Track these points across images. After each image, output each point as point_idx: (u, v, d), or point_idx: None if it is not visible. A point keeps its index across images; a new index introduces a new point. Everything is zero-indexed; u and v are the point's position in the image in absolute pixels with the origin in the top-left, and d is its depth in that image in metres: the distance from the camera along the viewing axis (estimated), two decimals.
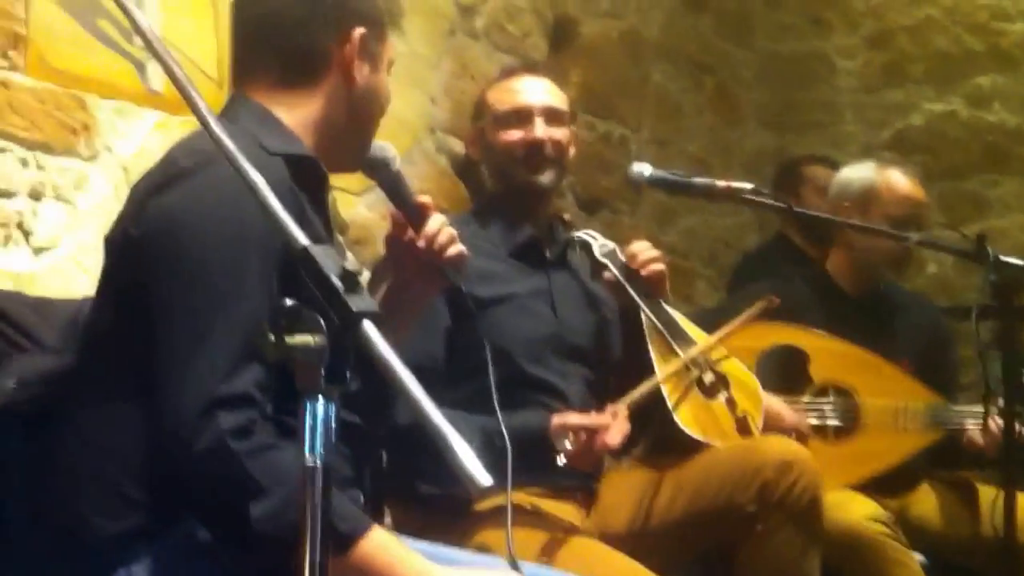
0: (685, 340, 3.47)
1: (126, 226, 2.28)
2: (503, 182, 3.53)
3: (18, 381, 2.38)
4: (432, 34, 5.01)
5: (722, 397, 3.47)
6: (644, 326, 3.45)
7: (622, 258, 3.49)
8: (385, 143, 2.64)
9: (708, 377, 3.47)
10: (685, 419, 3.40)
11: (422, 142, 4.87)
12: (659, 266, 3.46)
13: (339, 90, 2.46)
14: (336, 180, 4.54)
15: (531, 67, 3.82)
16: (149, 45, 1.79)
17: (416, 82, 4.86)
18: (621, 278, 3.44)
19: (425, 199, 2.62)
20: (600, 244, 3.53)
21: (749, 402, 3.52)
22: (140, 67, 3.93)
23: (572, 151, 3.62)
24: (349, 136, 2.52)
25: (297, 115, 2.43)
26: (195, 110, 1.74)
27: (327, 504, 1.59)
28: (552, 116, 3.50)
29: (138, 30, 1.81)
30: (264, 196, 1.67)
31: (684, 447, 3.41)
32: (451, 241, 2.61)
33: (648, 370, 3.41)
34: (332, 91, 2.45)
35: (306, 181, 2.34)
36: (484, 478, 1.47)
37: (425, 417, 1.49)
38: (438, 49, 5.02)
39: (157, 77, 3.94)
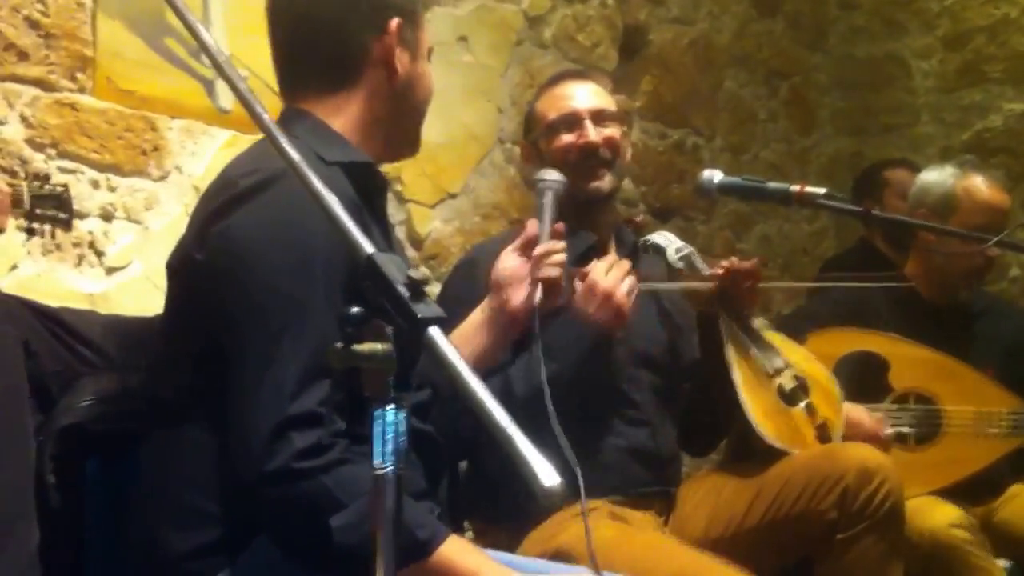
0: (765, 346, 3.43)
1: (189, 251, 2.29)
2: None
3: (91, 399, 2.39)
4: (499, 45, 5.01)
5: (802, 404, 3.42)
6: (722, 332, 3.41)
7: (698, 262, 3.45)
8: (553, 174, 3.04)
9: (788, 384, 3.42)
10: (764, 426, 3.36)
11: (491, 153, 4.87)
12: (753, 283, 3.41)
13: (382, 84, 2.43)
14: (410, 193, 4.60)
15: (577, 72, 3.77)
16: (215, 63, 1.79)
17: (484, 93, 4.86)
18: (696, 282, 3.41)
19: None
20: (675, 248, 3.49)
21: (830, 409, 3.47)
22: (208, 86, 3.96)
23: (629, 152, 3.58)
24: (398, 127, 2.49)
25: (347, 118, 2.42)
26: (262, 127, 1.75)
27: (399, 511, 1.59)
28: (601, 117, 3.47)
29: (204, 49, 1.80)
30: (332, 208, 1.67)
31: (763, 454, 3.37)
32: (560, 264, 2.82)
33: (726, 376, 3.37)
34: (376, 86, 2.43)
35: (364, 188, 2.33)
36: (551, 479, 1.46)
37: (492, 421, 1.47)
38: (505, 59, 5.02)
39: (225, 96, 3.96)
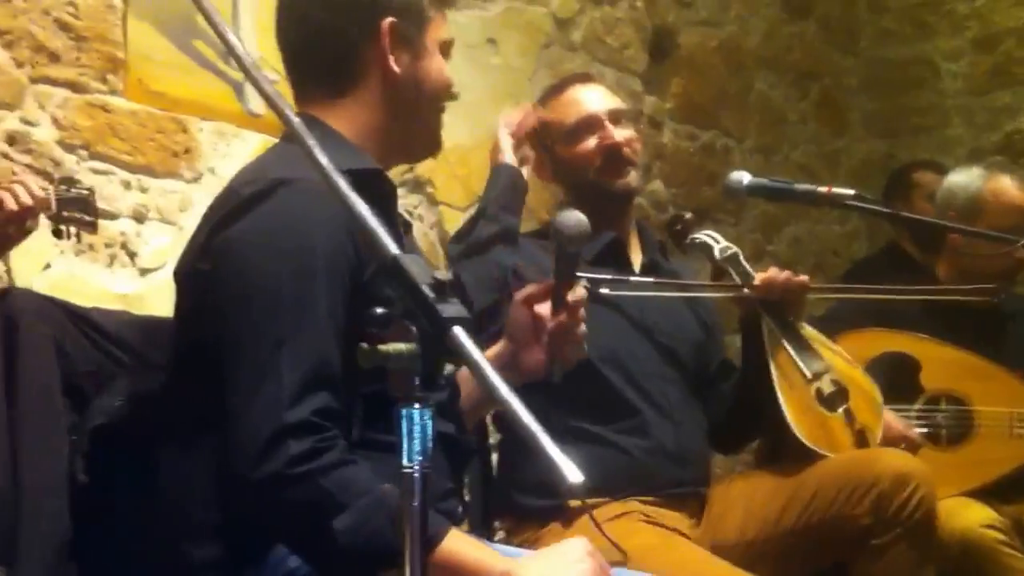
0: (806, 350, 3.42)
1: (194, 261, 2.30)
2: (586, 194, 3.45)
3: (123, 400, 2.40)
4: (528, 47, 5.03)
5: (841, 409, 3.41)
6: (765, 334, 3.40)
7: (745, 264, 3.44)
8: (580, 219, 2.57)
9: (827, 388, 3.41)
10: (802, 430, 3.35)
11: None
12: (799, 281, 3.40)
13: (383, 86, 2.40)
14: (441, 196, 4.61)
15: (581, 76, 3.76)
16: (243, 67, 1.80)
17: (513, 95, 4.87)
18: (741, 284, 3.41)
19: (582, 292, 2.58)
20: (721, 248, 3.49)
21: (869, 413, 3.46)
22: (238, 88, 3.98)
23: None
24: (409, 128, 2.46)
25: (354, 124, 2.40)
26: (291, 129, 1.75)
27: (426, 510, 1.60)
28: (618, 117, 3.47)
29: (232, 52, 1.81)
30: (358, 210, 1.67)
31: (797, 457, 3.37)
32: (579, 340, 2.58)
33: (766, 378, 3.37)
34: (377, 90, 2.40)
35: (374, 195, 2.30)
36: (575, 476, 1.46)
37: (516, 419, 1.48)
38: (533, 62, 5.03)
39: (256, 99, 3.98)
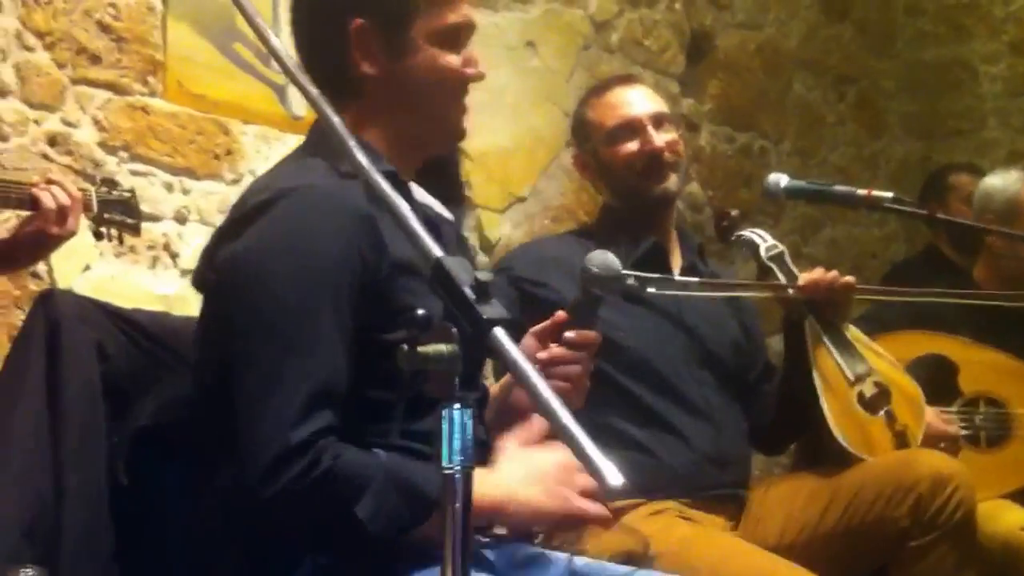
0: (849, 352, 3.40)
1: (204, 271, 2.29)
2: (625, 197, 3.48)
3: (164, 402, 2.41)
4: (566, 49, 5.03)
5: (882, 411, 3.40)
6: (807, 335, 3.39)
7: (790, 264, 3.44)
8: (610, 262, 2.51)
9: (869, 391, 3.39)
10: (843, 433, 3.34)
11: (559, 156, 4.88)
12: (844, 282, 3.39)
13: (368, 89, 2.31)
14: (479, 198, 4.61)
15: (624, 78, 3.76)
16: (284, 68, 1.80)
17: (551, 97, 4.88)
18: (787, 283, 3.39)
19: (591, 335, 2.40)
20: (768, 246, 3.47)
21: (910, 415, 3.44)
22: (279, 92, 3.99)
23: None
24: (412, 126, 2.35)
25: (363, 129, 2.31)
26: (333, 131, 1.75)
27: (468, 512, 1.58)
28: (660, 121, 3.47)
29: (274, 54, 1.81)
30: (401, 212, 1.66)
31: (836, 458, 3.36)
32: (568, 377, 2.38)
33: (808, 379, 3.37)
34: (370, 93, 2.31)
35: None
36: (615, 479, 1.45)
37: (558, 421, 1.48)
38: (571, 64, 5.04)
39: (297, 102, 4.00)
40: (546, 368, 2.34)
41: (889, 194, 3.53)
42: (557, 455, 2.15)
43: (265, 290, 2.14)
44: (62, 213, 2.92)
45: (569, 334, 2.30)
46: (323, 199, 2.14)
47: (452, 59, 2.34)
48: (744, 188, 5.81)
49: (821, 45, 6.42)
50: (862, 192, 3.51)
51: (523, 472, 2.18)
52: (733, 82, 5.87)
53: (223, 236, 2.26)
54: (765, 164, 5.89)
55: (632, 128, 3.44)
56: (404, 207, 1.67)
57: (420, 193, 2.41)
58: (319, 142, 2.32)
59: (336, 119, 1.76)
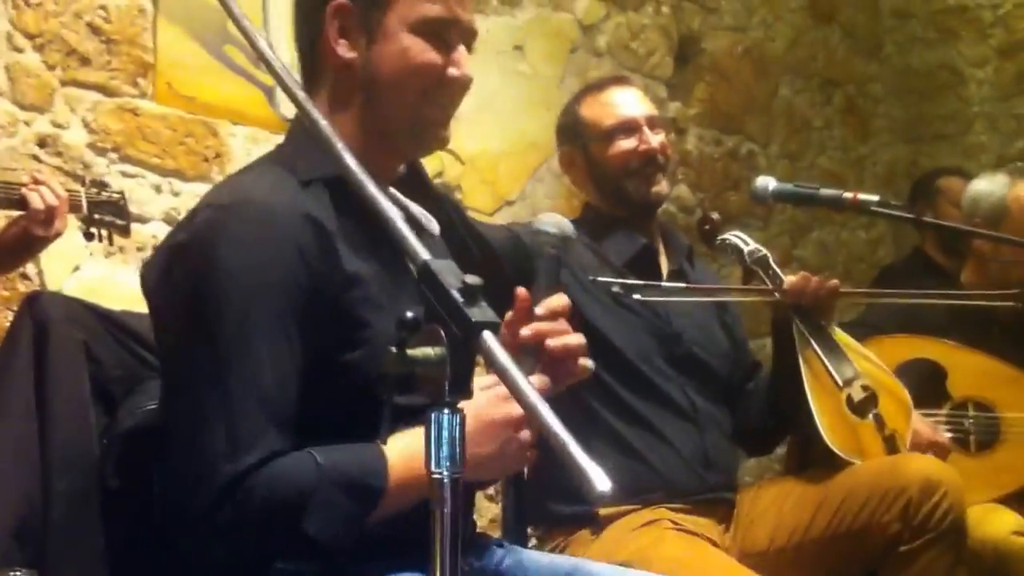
0: (837, 355, 3.41)
1: (150, 284, 2.21)
2: (614, 197, 3.48)
3: (153, 403, 2.40)
4: (554, 53, 5.04)
5: (871, 416, 3.40)
6: (796, 339, 3.40)
7: (774, 267, 3.44)
8: (561, 221, 2.31)
9: (857, 394, 3.39)
10: (831, 437, 3.35)
11: (548, 160, 4.89)
12: (830, 287, 3.39)
13: (340, 76, 2.22)
14: (469, 201, 4.62)
15: (620, 79, 3.77)
16: (272, 70, 1.79)
17: (540, 101, 4.89)
18: (772, 287, 3.40)
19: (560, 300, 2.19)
20: (751, 249, 3.47)
21: (899, 418, 3.44)
22: (269, 93, 3.99)
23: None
24: (383, 121, 2.22)
25: (336, 119, 2.20)
26: (320, 135, 1.75)
27: (457, 517, 1.58)
28: (654, 123, 3.50)
29: (262, 57, 1.81)
30: (386, 216, 1.65)
31: (825, 462, 3.37)
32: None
33: (796, 382, 3.37)
34: (338, 81, 2.23)
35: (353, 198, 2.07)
36: (604, 484, 1.44)
37: (545, 425, 1.47)
38: (560, 68, 5.05)
39: (287, 103, 3.99)
40: (538, 347, 2.13)
41: (875, 197, 3.53)
42: (480, 399, 2.03)
43: (198, 311, 2.05)
44: (50, 214, 2.93)
45: (539, 309, 2.16)
46: (259, 214, 2.03)
47: (430, 54, 2.21)
48: (732, 191, 5.82)
49: (808, 49, 6.43)
50: (849, 195, 3.52)
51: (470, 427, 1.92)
52: (721, 86, 5.88)
53: (165, 247, 2.19)
54: (753, 167, 5.91)
55: (629, 128, 3.45)
56: (391, 210, 1.66)
57: (403, 202, 2.31)
58: (286, 147, 2.26)
59: (323, 122, 1.75)
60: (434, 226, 2.33)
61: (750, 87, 6.08)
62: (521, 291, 2.16)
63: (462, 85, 2.25)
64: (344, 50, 2.21)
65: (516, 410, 2.03)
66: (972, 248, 4.23)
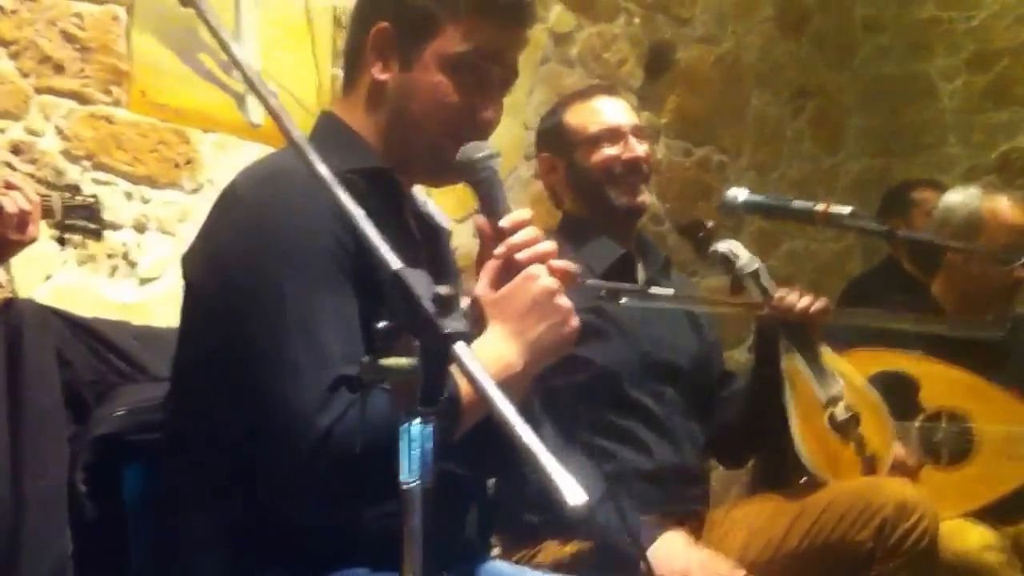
0: (823, 373, 3.40)
1: (197, 248, 2.24)
2: (594, 204, 3.48)
3: (126, 409, 2.40)
4: (525, 62, 5.02)
5: (852, 436, 3.39)
6: (782, 355, 3.41)
7: (765, 282, 3.44)
8: (482, 143, 2.23)
9: (841, 415, 3.37)
10: (812, 457, 3.34)
11: (517, 169, 4.91)
12: (820, 307, 3.40)
13: (373, 91, 2.28)
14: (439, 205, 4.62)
15: (607, 88, 3.78)
16: (246, 78, 1.80)
17: (510, 109, 4.87)
18: (763, 302, 3.40)
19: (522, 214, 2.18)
20: (743, 262, 3.46)
21: (879, 439, 3.43)
22: (240, 100, 3.99)
23: None
24: (402, 142, 2.28)
25: (362, 121, 2.30)
26: (291, 141, 1.75)
27: (430, 530, 1.58)
28: (640, 133, 3.50)
29: (236, 64, 1.82)
30: (358, 222, 1.66)
31: (800, 479, 3.37)
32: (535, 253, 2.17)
33: (778, 397, 3.39)
34: (371, 93, 2.29)
35: (377, 192, 2.21)
36: (577, 497, 1.45)
37: (516, 436, 1.48)
38: (531, 77, 5.06)
39: (256, 110, 4.00)
40: (514, 261, 2.13)
41: (846, 210, 3.53)
42: (508, 288, 2.10)
43: (266, 253, 2.08)
44: (22, 219, 2.92)
45: (503, 223, 2.14)
46: (305, 183, 1.94)
47: (457, 92, 2.24)
48: (702, 201, 5.84)
49: (780, 60, 6.46)
50: (819, 208, 3.52)
51: (514, 318, 2.10)
52: (691, 96, 5.90)
53: (212, 221, 2.22)
54: (724, 178, 5.93)
55: (614, 135, 3.44)
56: (364, 220, 1.66)
57: (421, 199, 2.39)
58: (319, 133, 2.30)
59: (297, 132, 1.75)
60: (447, 223, 2.39)
61: (721, 97, 6.10)
62: (479, 219, 2.18)
63: (487, 127, 2.29)
64: (378, 71, 2.26)
65: (548, 282, 2.10)
66: (944, 260, 4.24)
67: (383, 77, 2.26)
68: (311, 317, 2.04)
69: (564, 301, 2.11)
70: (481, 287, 2.14)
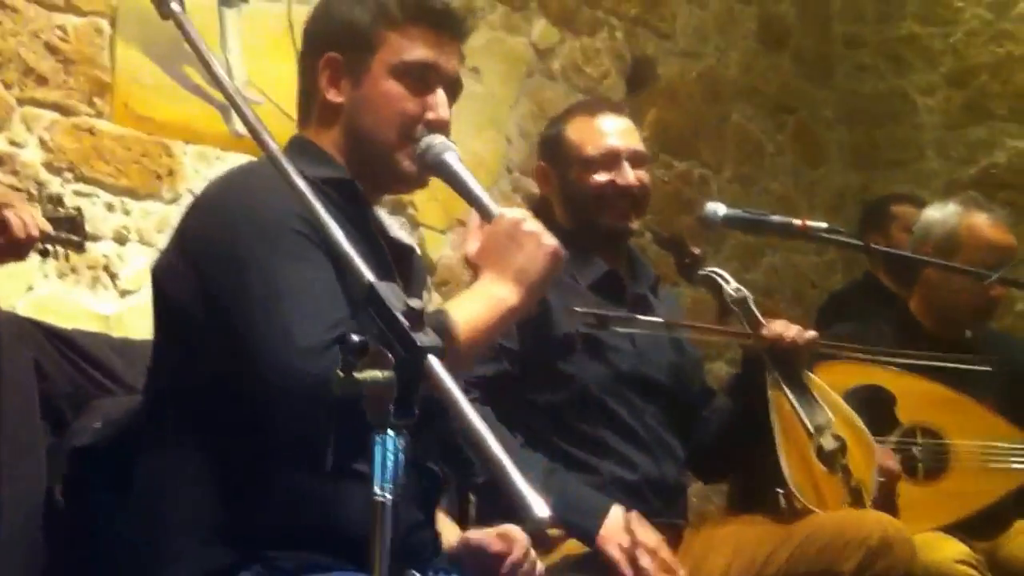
0: (810, 401, 3.40)
1: (170, 252, 2.30)
2: (584, 222, 3.48)
3: (103, 421, 2.41)
4: (509, 76, 5.06)
5: (838, 466, 3.38)
6: (768, 383, 3.42)
7: (754, 310, 3.44)
8: (433, 137, 2.37)
9: (828, 444, 3.36)
10: (799, 486, 3.34)
11: (498, 182, 4.92)
12: (808, 338, 3.41)
13: (334, 114, 2.39)
14: (422, 218, 4.63)
15: (615, 106, 3.73)
16: (224, 91, 1.83)
17: (492, 123, 4.91)
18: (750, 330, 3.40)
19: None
20: (732, 289, 3.47)
21: (864, 465, 3.44)
22: (225, 111, 3.99)
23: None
24: (362, 152, 2.38)
25: (325, 141, 2.39)
26: (268, 154, 1.78)
27: (398, 540, 1.60)
28: (636, 159, 3.47)
29: (216, 81, 1.85)
30: (333, 234, 1.70)
31: (781, 504, 3.37)
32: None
33: (764, 421, 3.38)
34: (330, 117, 2.40)
35: (346, 204, 2.30)
36: (542, 511, 1.47)
37: (485, 448, 1.50)
38: (514, 91, 5.07)
39: (240, 121, 4.00)
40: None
41: (824, 224, 3.55)
42: (498, 226, 2.26)
43: (246, 225, 2.17)
44: (27, 243, 2.89)
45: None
46: (273, 177, 1.95)
47: (405, 97, 2.36)
48: (685, 214, 5.84)
49: (760, 75, 6.48)
50: (798, 222, 3.53)
51: (496, 260, 2.25)
52: (672, 110, 5.91)
53: (190, 214, 2.30)
54: (704, 192, 5.93)
55: (610, 160, 3.42)
56: (338, 231, 1.71)
57: (388, 220, 2.46)
58: (289, 149, 2.35)
59: (273, 144, 1.79)
60: (412, 241, 2.53)
61: (702, 112, 6.12)
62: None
63: (438, 128, 2.38)
64: (333, 96, 2.38)
65: (514, 214, 2.28)
66: (921, 276, 4.24)
67: (338, 100, 2.38)
68: (296, 282, 2.12)
69: (533, 225, 2.27)
70: (469, 246, 2.31)
